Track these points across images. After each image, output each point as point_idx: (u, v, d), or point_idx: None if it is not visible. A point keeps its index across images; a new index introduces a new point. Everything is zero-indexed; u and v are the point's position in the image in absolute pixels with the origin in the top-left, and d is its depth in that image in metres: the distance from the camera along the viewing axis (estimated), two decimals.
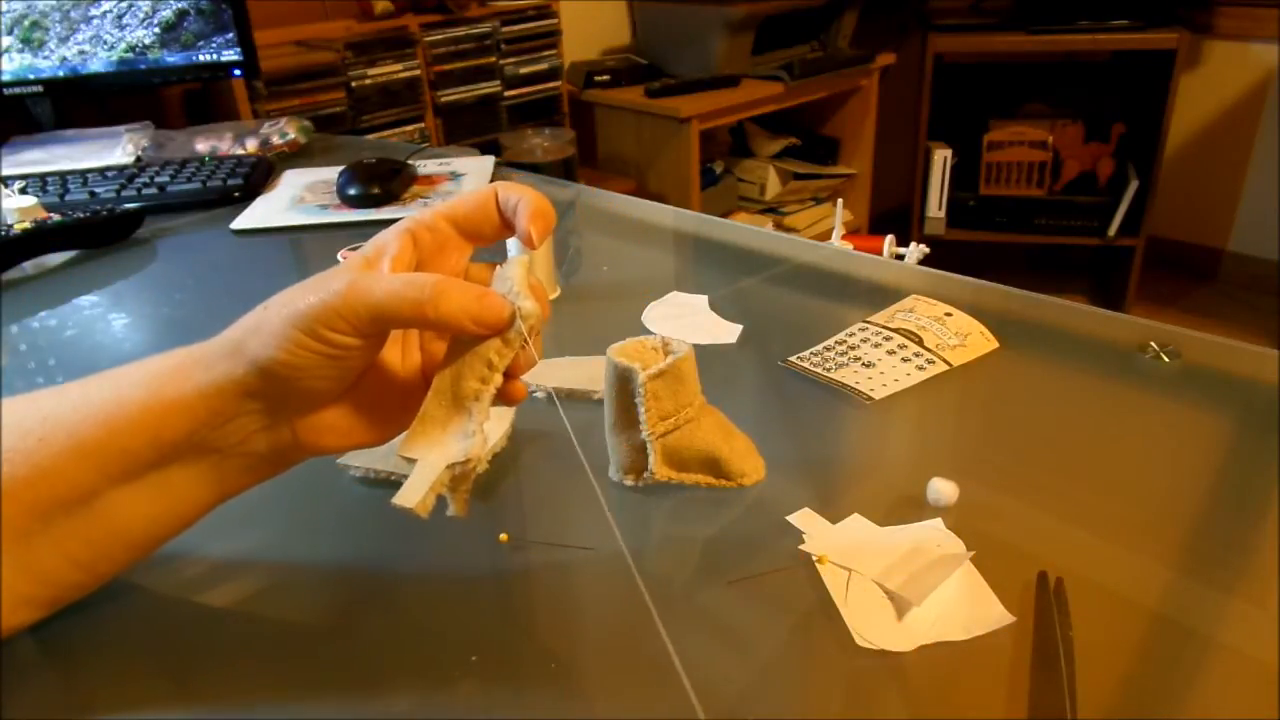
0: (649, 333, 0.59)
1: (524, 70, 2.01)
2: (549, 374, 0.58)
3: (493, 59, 1.96)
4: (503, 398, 0.38)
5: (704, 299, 0.70)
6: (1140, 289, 2.51)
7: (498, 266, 0.40)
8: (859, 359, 0.60)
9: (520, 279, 0.37)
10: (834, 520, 0.45)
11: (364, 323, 0.34)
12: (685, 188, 2.17)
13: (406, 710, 0.35)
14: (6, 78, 1.14)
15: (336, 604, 0.42)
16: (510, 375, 0.38)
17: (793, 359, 0.61)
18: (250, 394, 0.36)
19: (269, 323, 0.35)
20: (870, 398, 0.56)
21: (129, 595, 0.41)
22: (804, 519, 0.45)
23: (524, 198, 0.38)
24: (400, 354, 0.41)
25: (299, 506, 0.48)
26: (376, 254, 0.37)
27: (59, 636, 0.39)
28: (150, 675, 0.38)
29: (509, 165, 1.08)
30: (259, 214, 0.95)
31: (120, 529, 0.37)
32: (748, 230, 0.87)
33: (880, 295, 0.69)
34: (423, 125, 1.87)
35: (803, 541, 0.44)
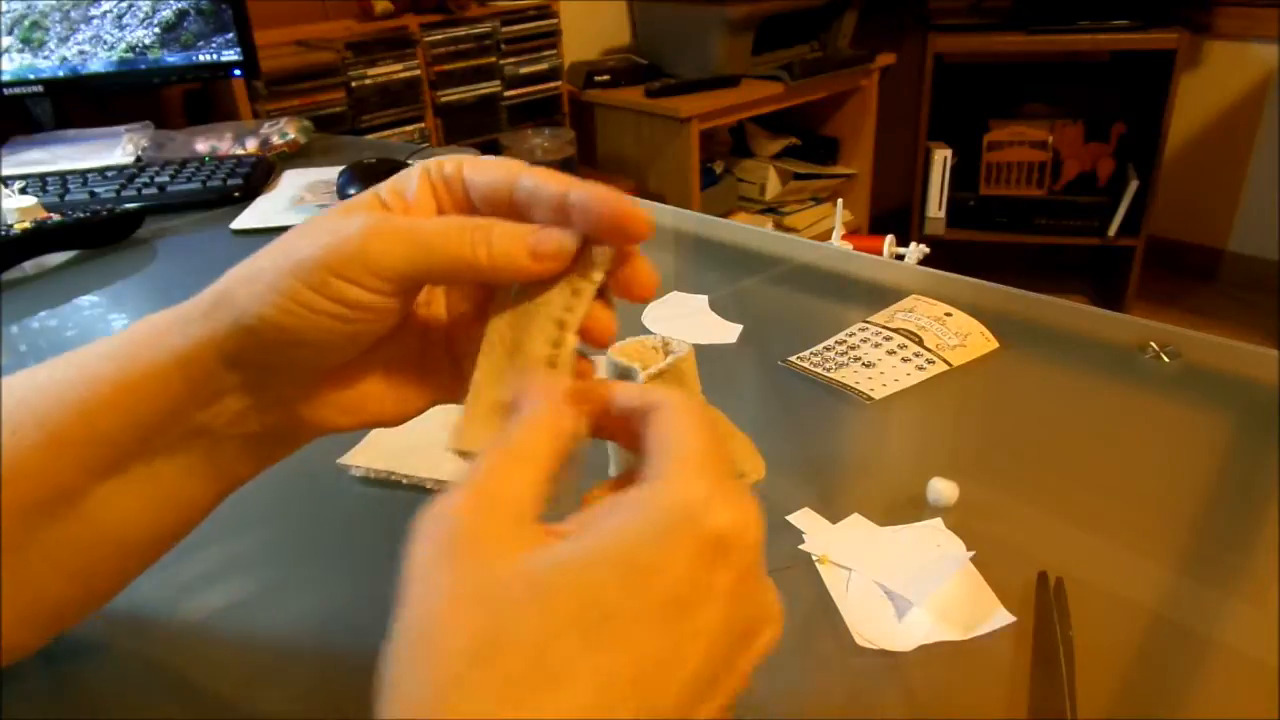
0: (649, 332, 0.59)
1: (524, 70, 2.01)
2: None
3: (493, 59, 1.96)
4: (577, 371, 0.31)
5: (704, 299, 0.70)
6: (1140, 289, 2.51)
7: None
8: (859, 359, 0.60)
9: None
10: (834, 520, 0.45)
11: (389, 272, 0.28)
12: (685, 188, 2.16)
13: None
14: (6, 78, 1.14)
15: (336, 605, 0.42)
16: (587, 338, 0.31)
17: (793, 359, 0.61)
18: (231, 362, 0.30)
19: (263, 272, 0.29)
20: (870, 398, 0.56)
21: (123, 596, 0.41)
22: (804, 519, 0.45)
23: (583, 195, 0.28)
24: (421, 309, 0.34)
25: (298, 507, 0.48)
26: (395, 196, 0.31)
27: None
28: (149, 676, 0.38)
29: None
30: (259, 214, 0.95)
31: (111, 532, 0.32)
32: (748, 230, 0.87)
33: (880, 295, 0.69)
34: (423, 125, 1.87)
35: (803, 541, 0.44)
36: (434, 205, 0.31)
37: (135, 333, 0.31)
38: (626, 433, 0.28)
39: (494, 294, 0.31)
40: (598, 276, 0.30)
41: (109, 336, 0.31)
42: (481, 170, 0.31)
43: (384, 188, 0.31)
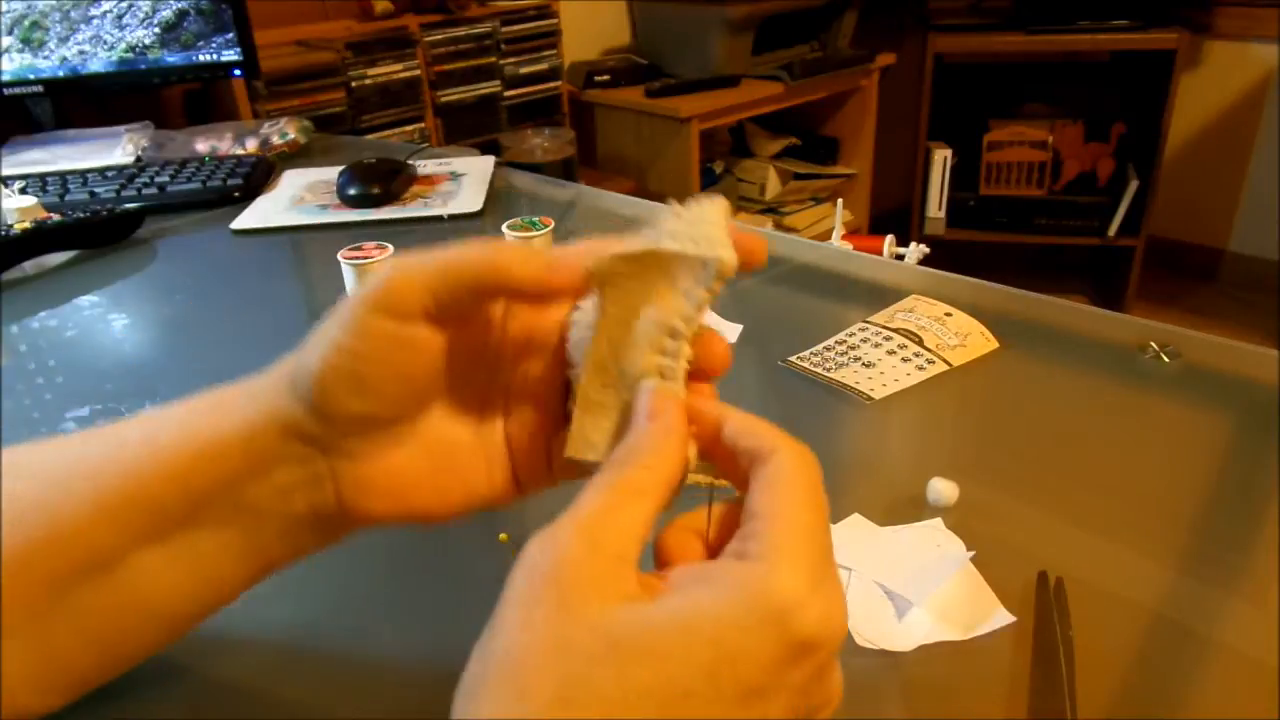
0: None
1: (524, 70, 2.01)
2: None
3: (493, 59, 1.96)
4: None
5: None
6: (1140, 289, 2.51)
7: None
8: (859, 359, 0.60)
9: (719, 222, 0.29)
10: (834, 520, 0.45)
11: (423, 293, 0.29)
12: (685, 188, 2.16)
13: (408, 710, 0.35)
14: (6, 78, 1.14)
15: (336, 605, 0.42)
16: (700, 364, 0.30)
17: (793, 359, 0.61)
18: (290, 431, 0.30)
19: (318, 332, 0.30)
20: (870, 398, 0.56)
21: None
22: None
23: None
24: (477, 405, 0.34)
25: None
26: None
27: None
28: (150, 676, 0.38)
29: (509, 165, 1.07)
30: (259, 214, 0.95)
31: (143, 602, 0.31)
32: (748, 230, 0.87)
33: (880, 295, 0.69)
34: (423, 125, 1.87)
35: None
36: None
37: (200, 402, 0.32)
38: (730, 465, 0.28)
39: (602, 311, 0.30)
40: (718, 286, 0.28)
41: (174, 404, 0.32)
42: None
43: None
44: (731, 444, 0.28)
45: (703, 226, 0.28)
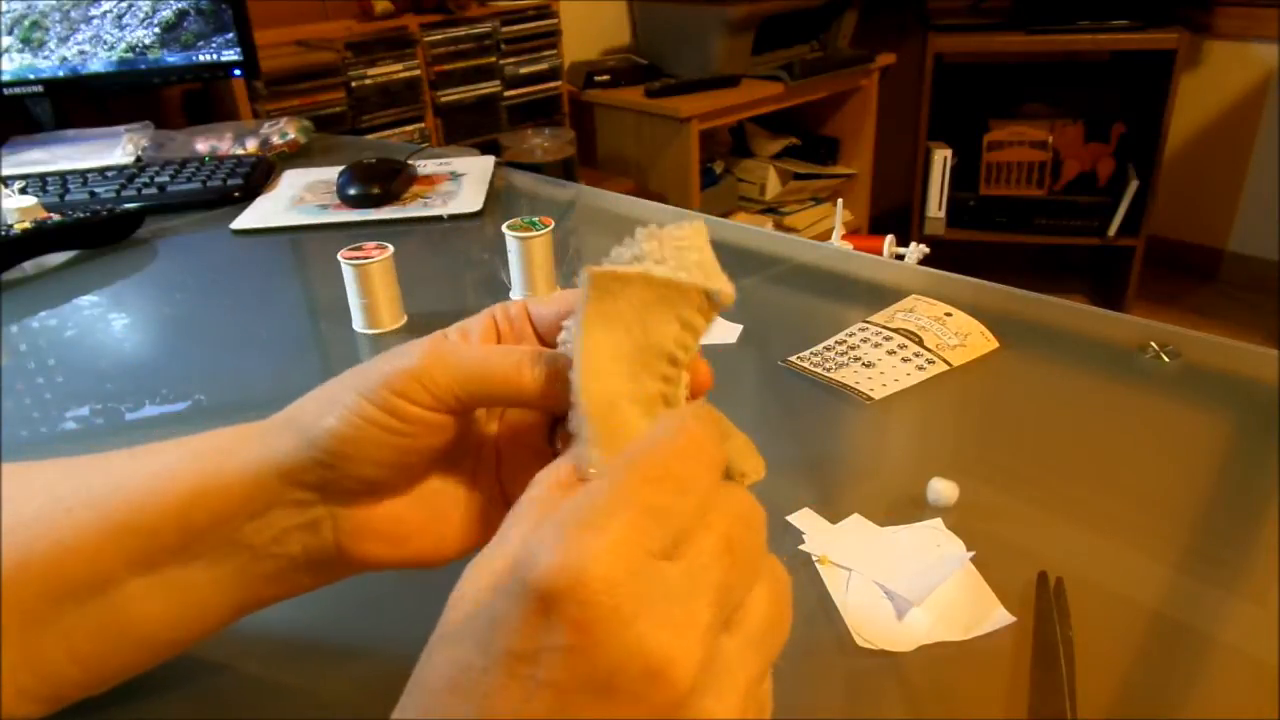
0: None
1: (524, 70, 2.01)
2: None
3: (493, 59, 1.96)
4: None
5: None
6: (1140, 289, 2.51)
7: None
8: (859, 359, 0.60)
9: (707, 249, 0.29)
10: (834, 520, 0.45)
11: (445, 392, 0.30)
12: (685, 188, 2.17)
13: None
14: (6, 78, 1.14)
15: (334, 606, 0.42)
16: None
17: (793, 359, 0.61)
18: (293, 478, 0.31)
19: (332, 392, 0.31)
20: (870, 398, 0.56)
21: None
22: (804, 519, 0.45)
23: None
24: (472, 455, 0.34)
25: None
26: (460, 334, 0.33)
27: None
28: (151, 674, 0.38)
29: (509, 165, 1.08)
30: (259, 214, 0.95)
31: (131, 627, 0.32)
32: (748, 230, 0.87)
33: (880, 295, 0.69)
34: (423, 125, 1.87)
35: (803, 541, 0.44)
36: (496, 339, 0.33)
37: (207, 440, 0.32)
38: None
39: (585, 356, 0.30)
40: (714, 314, 0.29)
41: (193, 436, 0.33)
42: (544, 304, 0.33)
43: (450, 329, 0.33)
44: None
45: (689, 253, 0.28)
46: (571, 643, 0.20)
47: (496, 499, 0.34)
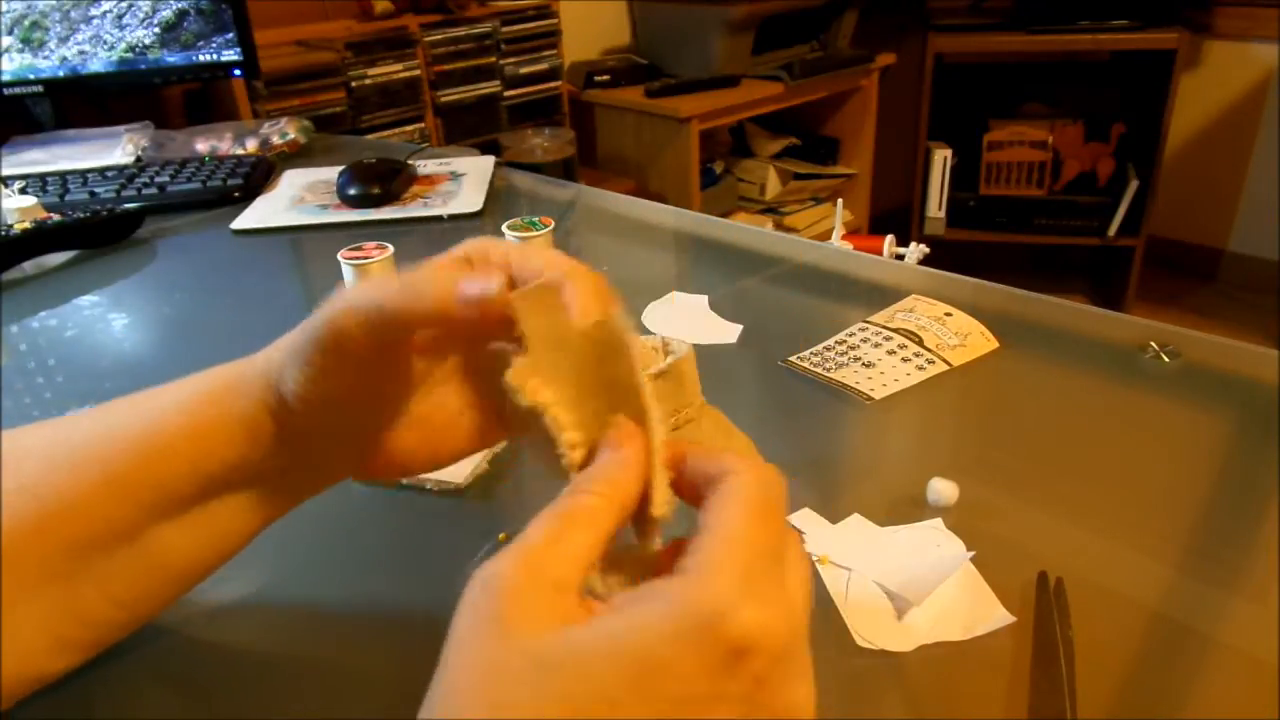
0: (649, 333, 0.59)
1: (524, 70, 2.01)
2: None
3: (493, 59, 1.96)
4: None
5: (704, 299, 0.70)
6: (1140, 289, 2.51)
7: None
8: (859, 359, 0.60)
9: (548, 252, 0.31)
10: (834, 520, 0.45)
11: (358, 330, 0.30)
12: (685, 188, 2.16)
13: (410, 711, 0.35)
14: (6, 78, 1.14)
15: (336, 605, 0.42)
16: None
17: (793, 359, 0.61)
18: (288, 426, 0.33)
19: (293, 342, 0.32)
20: (870, 398, 0.56)
21: None
22: (804, 519, 0.45)
23: (569, 279, 0.30)
24: (445, 376, 0.36)
25: (301, 510, 0.48)
26: (430, 264, 0.33)
27: None
28: (156, 677, 0.38)
29: (509, 165, 1.08)
30: (259, 214, 0.95)
31: (165, 566, 0.34)
32: (748, 230, 0.87)
33: (880, 295, 0.69)
34: (423, 125, 1.87)
35: (803, 542, 0.44)
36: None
37: (199, 388, 0.34)
38: (695, 495, 0.28)
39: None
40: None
41: (176, 384, 0.34)
42: (528, 261, 0.32)
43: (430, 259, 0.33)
44: (693, 473, 0.28)
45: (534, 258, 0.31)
46: (753, 695, 0.23)
47: (487, 405, 0.35)
